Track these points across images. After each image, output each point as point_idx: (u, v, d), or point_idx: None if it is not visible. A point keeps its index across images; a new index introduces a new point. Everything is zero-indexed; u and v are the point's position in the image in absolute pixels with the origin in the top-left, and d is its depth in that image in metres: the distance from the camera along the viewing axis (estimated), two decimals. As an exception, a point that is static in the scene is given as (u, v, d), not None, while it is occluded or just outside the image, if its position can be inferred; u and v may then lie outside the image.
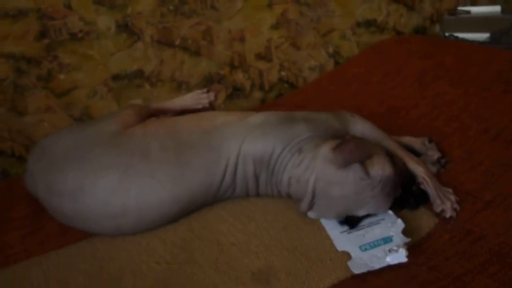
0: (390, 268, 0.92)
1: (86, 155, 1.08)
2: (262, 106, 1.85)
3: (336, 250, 0.98)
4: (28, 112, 1.61)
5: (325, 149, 1.02)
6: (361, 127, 1.17)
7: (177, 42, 1.74)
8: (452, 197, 1.05)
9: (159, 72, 1.75)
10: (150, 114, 1.27)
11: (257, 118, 1.15)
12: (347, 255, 0.97)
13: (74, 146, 1.10)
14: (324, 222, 1.05)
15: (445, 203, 1.04)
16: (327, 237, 1.01)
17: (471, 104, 1.38)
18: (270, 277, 0.94)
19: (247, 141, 1.10)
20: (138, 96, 1.74)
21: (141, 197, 1.05)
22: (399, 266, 0.92)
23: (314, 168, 1.02)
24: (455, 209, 1.03)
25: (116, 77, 1.69)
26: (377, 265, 0.93)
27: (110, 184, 1.04)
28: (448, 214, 1.02)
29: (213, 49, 1.80)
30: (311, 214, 1.04)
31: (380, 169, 0.99)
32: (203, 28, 1.76)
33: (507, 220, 0.97)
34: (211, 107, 1.41)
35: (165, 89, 1.77)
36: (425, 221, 1.03)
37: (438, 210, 1.04)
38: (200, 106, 1.39)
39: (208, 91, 1.42)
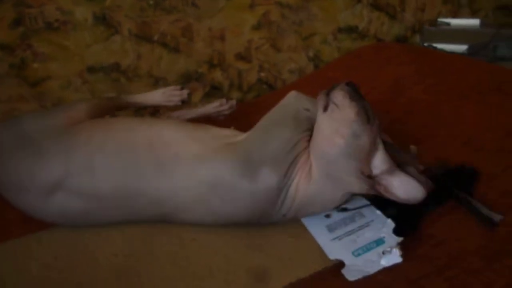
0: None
1: (28, 148, 1.02)
2: (241, 104, 1.83)
3: (329, 259, 0.93)
4: (-1, 100, 1.58)
5: None
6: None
7: (156, 38, 1.72)
8: None
9: (136, 67, 1.73)
10: (116, 107, 1.22)
11: (215, 169, 0.98)
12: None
13: (19, 137, 1.04)
14: (312, 230, 1.01)
15: None
16: (290, 236, 1.00)
17: (442, 112, 1.39)
18: (228, 273, 0.93)
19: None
20: (113, 90, 1.72)
21: (83, 203, 1.00)
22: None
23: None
24: None
25: (91, 70, 1.67)
26: (372, 270, 0.90)
27: (50, 183, 1.00)
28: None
29: (193, 47, 1.79)
30: None
31: None
32: (183, 25, 1.75)
33: (467, 226, 0.97)
34: (184, 105, 1.38)
35: (142, 84, 1.75)
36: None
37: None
38: (171, 104, 1.33)
39: (182, 88, 1.35)
